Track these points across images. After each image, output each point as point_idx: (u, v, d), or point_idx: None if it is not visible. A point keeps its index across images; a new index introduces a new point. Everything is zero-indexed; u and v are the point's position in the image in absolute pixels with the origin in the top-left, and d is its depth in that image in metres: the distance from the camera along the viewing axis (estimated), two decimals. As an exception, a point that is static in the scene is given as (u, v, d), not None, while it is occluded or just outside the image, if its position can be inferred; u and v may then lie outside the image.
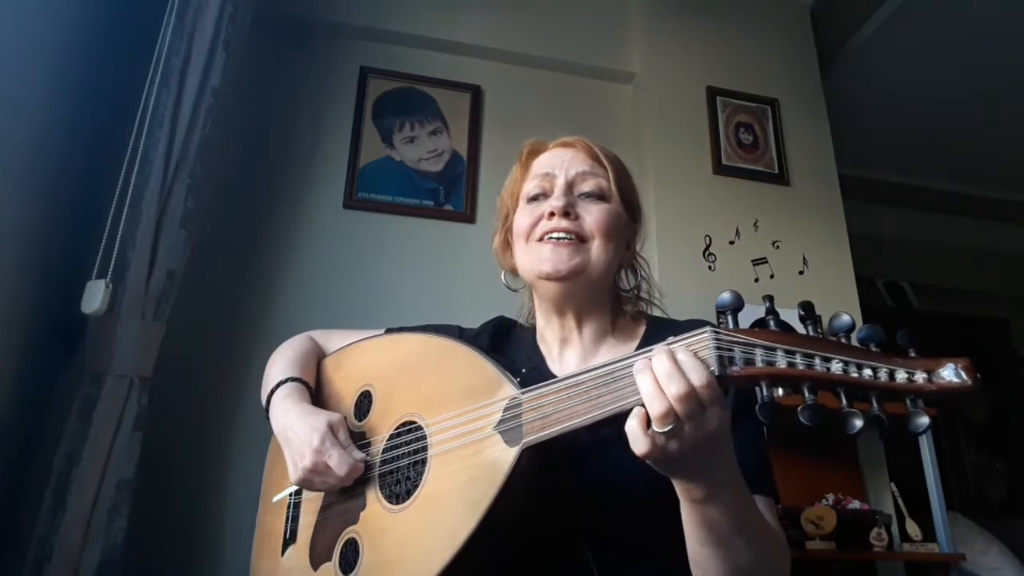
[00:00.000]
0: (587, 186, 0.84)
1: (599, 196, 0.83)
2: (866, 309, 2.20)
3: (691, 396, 0.52)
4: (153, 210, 1.45)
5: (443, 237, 2.04)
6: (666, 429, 0.52)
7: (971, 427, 3.46)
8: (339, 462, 0.75)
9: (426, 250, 2.02)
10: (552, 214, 0.81)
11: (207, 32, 1.58)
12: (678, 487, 0.59)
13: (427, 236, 2.04)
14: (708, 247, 2.13)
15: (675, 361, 0.53)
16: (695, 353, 0.54)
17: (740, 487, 0.61)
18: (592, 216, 0.81)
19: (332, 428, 0.78)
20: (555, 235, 0.80)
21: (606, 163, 0.86)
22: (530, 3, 2.36)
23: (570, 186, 0.83)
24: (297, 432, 0.79)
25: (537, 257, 0.81)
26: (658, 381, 0.53)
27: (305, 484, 0.79)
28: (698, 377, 0.52)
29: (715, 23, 2.47)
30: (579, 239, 0.80)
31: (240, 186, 1.94)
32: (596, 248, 0.81)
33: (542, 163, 0.88)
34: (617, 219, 0.83)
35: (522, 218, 0.85)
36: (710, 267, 2.11)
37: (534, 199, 0.86)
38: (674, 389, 0.52)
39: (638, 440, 0.54)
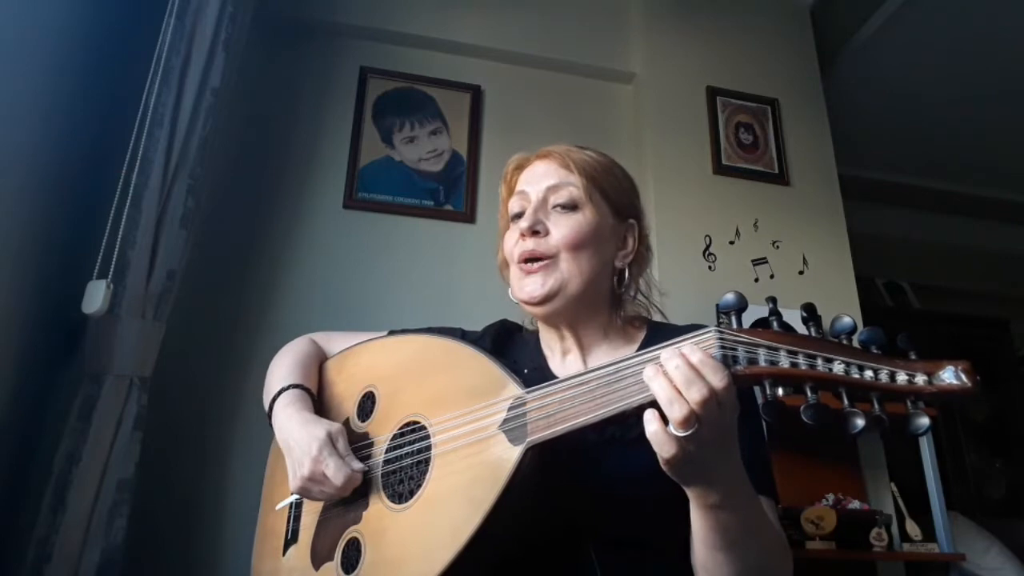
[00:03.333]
0: (559, 198, 0.85)
1: (571, 207, 0.84)
2: (866, 309, 2.20)
3: (712, 399, 0.52)
4: (153, 210, 1.45)
5: (443, 237, 2.05)
6: (688, 433, 0.53)
7: (971, 427, 3.46)
8: (335, 471, 0.75)
9: (426, 250, 2.02)
10: (523, 235, 0.83)
11: (207, 32, 1.58)
12: (692, 494, 0.59)
13: (427, 236, 2.04)
14: (708, 247, 2.13)
15: (691, 365, 0.53)
16: (709, 353, 0.54)
17: (749, 489, 0.61)
18: (560, 230, 0.83)
19: (331, 437, 0.78)
20: (526, 262, 0.83)
21: (576, 171, 0.86)
22: (530, 3, 2.36)
23: (544, 202, 0.85)
24: (297, 441, 0.80)
25: (517, 284, 0.85)
26: (676, 385, 0.53)
27: (303, 493, 0.79)
28: (718, 378, 0.52)
29: (715, 23, 2.47)
30: (548, 258, 0.82)
31: (240, 186, 1.94)
32: (565, 262, 0.82)
33: (521, 181, 0.90)
34: (589, 227, 0.84)
35: (507, 240, 0.88)
36: (710, 267, 2.11)
37: (516, 217, 0.88)
38: (695, 394, 0.52)
39: (664, 444, 0.54)
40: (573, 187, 0.85)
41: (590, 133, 2.25)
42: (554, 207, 0.85)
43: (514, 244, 0.85)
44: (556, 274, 0.82)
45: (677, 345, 0.57)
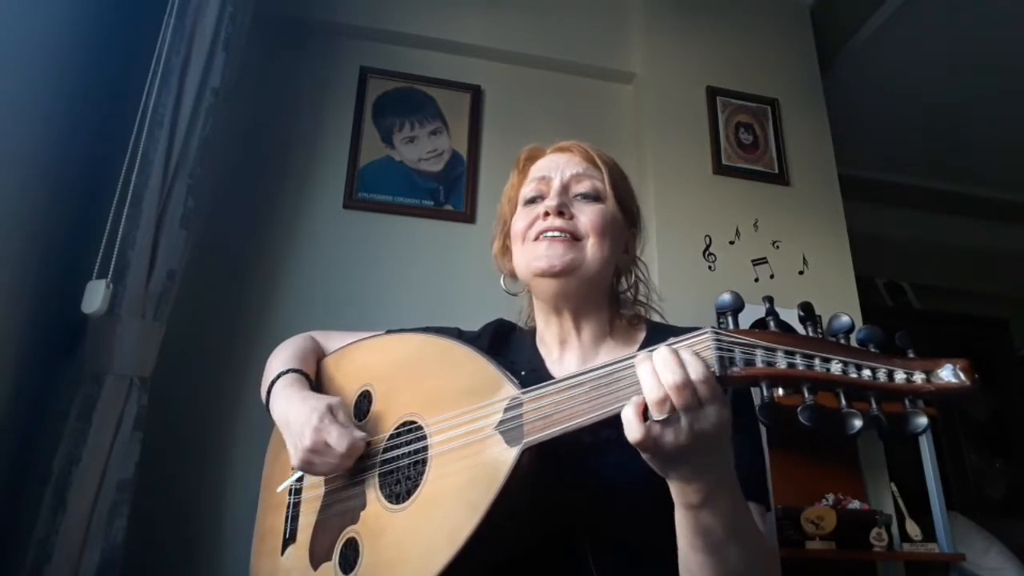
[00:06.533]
0: (582, 187, 0.85)
1: (594, 197, 0.85)
2: (866, 309, 2.20)
3: (687, 386, 0.52)
4: (153, 210, 1.45)
5: (443, 237, 2.05)
6: (661, 416, 0.53)
7: (971, 427, 3.45)
8: (338, 438, 0.76)
9: (426, 250, 2.02)
10: (547, 214, 0.82)
11: (207, 32, 1.58)
12: (674, 490, 0.59)
13: (427, 236, 2.04)
14: (708, 247, 2.13)
15: (675, 353, 0.54)
16: (697, 353, 0.55)
17: (736, 494, 0.61)
18: (586, 216, 0.83)
19: (332, 408, 0.79)
20: (550, 233, 0.81)
21: (602, 166, 0.87)
22: (530, 3, 2.36)
23: (565, 187, 0.85)
24: (297, 415, 0.80)
25: (533, 255, 0.82)
26: (656, 370, 0.54)
27: (306, 466, 0.79)
28: (696, 372, 0.53)
29: (715, 23, 2.47)
30: (574, 237, 0.81)
31: (240, 186, 1.94)
32: (591, 246, 0.81)
33: (539, 167, 0.89)
34: (612, 219, 0.84)
35: (519, 220, 0.87)
36: (710, 267, 2.11)
37: (531, 202, 0.87)
38: (670, 377, 0.53)
39: (632, 427, 0.54)
40: (597, 180, 0.86)
41: (590, 133, 2.22)
42: (576, 196, 0.85)
43: (529, 224, 0.84)
44: (579, 252, 0.81)
45: (669, 343, 0.57)
